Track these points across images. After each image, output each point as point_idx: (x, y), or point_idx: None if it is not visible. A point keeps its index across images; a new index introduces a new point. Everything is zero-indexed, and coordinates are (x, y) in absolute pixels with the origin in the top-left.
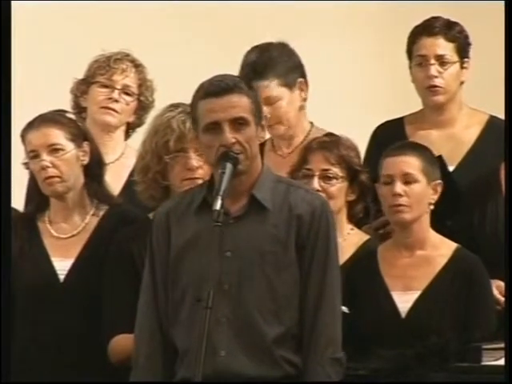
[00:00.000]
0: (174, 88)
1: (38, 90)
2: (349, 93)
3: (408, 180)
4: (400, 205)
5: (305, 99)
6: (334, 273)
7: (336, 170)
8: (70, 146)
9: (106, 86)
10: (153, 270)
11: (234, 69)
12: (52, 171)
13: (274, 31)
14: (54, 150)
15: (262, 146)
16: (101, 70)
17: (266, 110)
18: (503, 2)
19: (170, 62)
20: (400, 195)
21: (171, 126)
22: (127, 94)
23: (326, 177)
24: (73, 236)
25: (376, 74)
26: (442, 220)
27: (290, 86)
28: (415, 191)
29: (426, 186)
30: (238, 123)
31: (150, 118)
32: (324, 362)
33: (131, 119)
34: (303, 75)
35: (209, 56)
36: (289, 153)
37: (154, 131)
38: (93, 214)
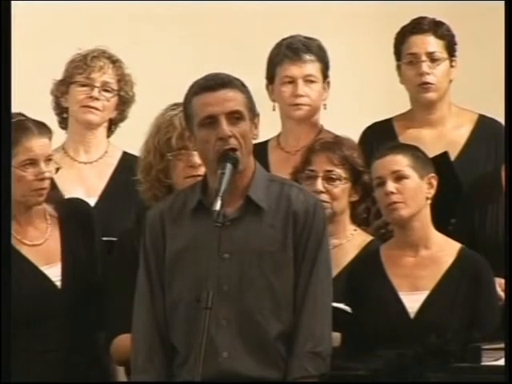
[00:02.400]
0: (171, 87)
1: (38, 90)
2: (348, 93)
3: (398, 177)
4: (394, 202)
5: (325, 99)
6: (324, 270)
7: (339, 171)
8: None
9: (85, 85)
10: (148, 273)
11: (231, 68)
12: (47, 183)
13: (273, 31)
14: (49, 160)
15: (266, 143)
16: (78, 70)
17: (303, 88)
18: (503, 2)
19: (168, 62)
20: (392, 193)
21: (173, 123)
22: (107, 90)
23: (329, 178)
24: (46, 240)
25: (376, 74)
26: (446, 217)
27: (324, 76)
28: (407, 187)
29: (419, 181)
30: (234, 117)
31: (132, 112)
32: (301, 355)
33: (113, 115)
34: (329, 77)
35: (207, 56)
36: (297, 150)
37: (157, 130)
38: (49, 214)
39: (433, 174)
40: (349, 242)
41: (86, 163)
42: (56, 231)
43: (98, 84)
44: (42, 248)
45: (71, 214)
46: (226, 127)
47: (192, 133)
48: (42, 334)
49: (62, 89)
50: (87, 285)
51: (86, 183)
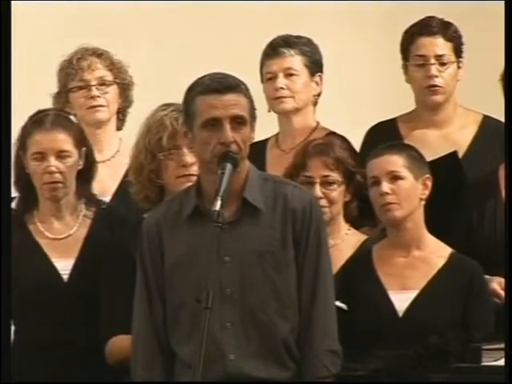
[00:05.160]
0: (168, 87)
1: (38, 90)
2: (348, 93)
3: (393, 178)
4: (389, 203)
5: (318, 95)
6: (326, 268)
7: (335, 175)
8: (75, 154)
9: (81, 88)
10: (146, 281)
11: (229, 68)
12: (57, 177)
13: (272, 32)
14: (62, 156)
15: (265, 141)
16: (69, 76)
17: (282, 81)
18: (503, 2)
19: (167, 62)
20: (387, 193)
21: (164, 123)
22: (104, 84)
23: (326, 183)
24: (69, 236)
25: (377, 74)
26: (449, 215)
27: (310, 70)
28: (402, 188)
29: (414, 182)
30: (237, 122)
31: (136, 97)
32: (321, 355)
33: (119, 104)
34: (321, 72)
35: (204, 55)
36: (291, 148)
37: (147, 130)
38: (84, 215)
39: (428, 175)
40: (344, 242)
41: (99, 162)
42: (84, 230)
43: (92, 82)
44: (62, 242)
45: (106, 219)
46: (229, 133)
47: (190, 131)
48: (44, 329)
49: (62, 100)
50: (94, 283)
51: (99, 182)
